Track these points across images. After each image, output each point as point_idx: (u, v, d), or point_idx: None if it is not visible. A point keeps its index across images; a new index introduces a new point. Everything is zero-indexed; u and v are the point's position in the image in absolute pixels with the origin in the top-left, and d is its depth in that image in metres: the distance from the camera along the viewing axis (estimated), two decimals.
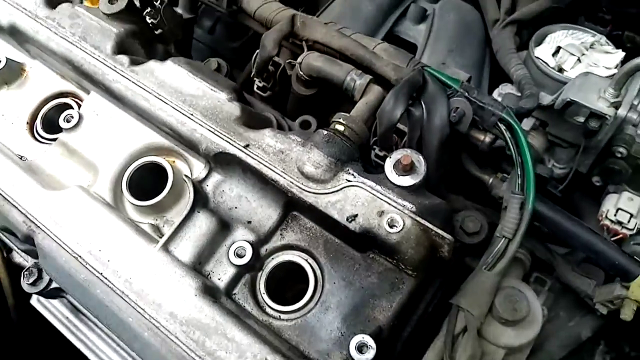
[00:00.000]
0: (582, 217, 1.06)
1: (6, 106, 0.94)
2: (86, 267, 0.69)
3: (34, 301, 0.92)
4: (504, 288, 0.78)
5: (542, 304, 0.93)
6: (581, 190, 1.08)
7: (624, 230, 0.94)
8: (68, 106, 0.91)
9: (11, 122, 0.92)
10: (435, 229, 0.65)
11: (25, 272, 0.82)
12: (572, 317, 0.95)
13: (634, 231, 0.95)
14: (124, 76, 0.80)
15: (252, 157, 0.72)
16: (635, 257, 0.86)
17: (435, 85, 0.74)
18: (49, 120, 0.91)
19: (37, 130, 0.92)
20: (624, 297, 0.81)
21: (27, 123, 0.92)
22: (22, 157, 0.88)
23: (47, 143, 0.89)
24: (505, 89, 1.02)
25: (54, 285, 0.81)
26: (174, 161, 0.82)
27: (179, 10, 1.02)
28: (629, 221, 0.94)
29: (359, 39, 0.79)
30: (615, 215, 0.95)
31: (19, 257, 0.96)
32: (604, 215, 0.96)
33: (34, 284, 0.81)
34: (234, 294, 0.72)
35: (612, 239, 0.96)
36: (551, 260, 0.90)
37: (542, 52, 0.97)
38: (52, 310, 0.90)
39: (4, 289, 0.95)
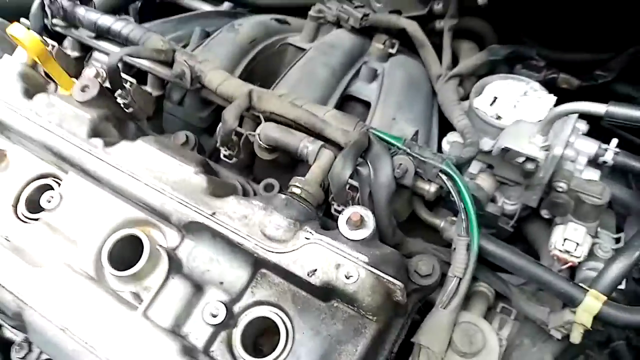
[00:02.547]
0: (538, 248, 1.15)
1: None
2: (73, 339, 0.75)
3: None
4: (460, 323, 0.85)
5: (509, 332, 1.00)
6: (536, 222, 1.16)
7: (572, 259, 1.02)
8: (49, 187, 0.98)
9: None
10: (386, 277, 0.73)
11: (16, 347, 0.87)
12: (535, 343, 1.01)
13: (582, 258, 1.03)
14: (98, 158, 0.88)
15: (219, 224, 0.79)
16: (584, 283, 0.94)
17: (380, 145, 0.83)
18: (32, 201, 0.98)
19: (20, 211, 0.98)
20: (572, 321, 0.89)
21: (12, 205, 0.99)
22: (7, 237, 0.94)
23: (30, 222, 0.96)
24: (453, 137, 1.11)
25: (43, 357, 0.86)
26: (149, 231, 0.89)
27: (147, 88, 1.11)
28: (575, 249, 1.02)
29: (310, 108, 0.88)
30: (562, 245, 1.03)
31: (9, 333, 1.00)
32: (553, 246, 1.04)
33: (24, 357, 0.86)
34: (212, 351, 0.78)
35: (563, 266, 1.04)
36: (507, 293, 0.97)
37: (481, 102, 1.07)
38: None
39: None
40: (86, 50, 1.21)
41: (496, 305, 1.02)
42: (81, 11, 1.12)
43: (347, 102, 1.22)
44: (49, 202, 0.92)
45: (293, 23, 1.37)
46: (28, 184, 1.00)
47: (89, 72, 1.12)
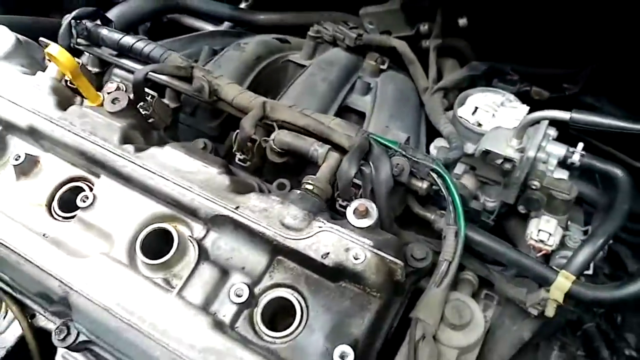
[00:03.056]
0: (516, 240, 1.29)
1: (25, 193, 1.11)
2: (116, 317, 0.86)
3: (59, 357, 1.06)
4: (451, 300, 0.98)
5: (492, 315, 1.13)
6: (513, 217, 1.31)
7: (546, 247, 1.16)
8: (80, 189, 1.10)
9: (31, 206, 1.09)
10: (389, 257, 0.85)
11: (56, 330, 0.96)
12: (515, 322, 1.13)
13: (554, 247, 1.17)
14: (131, 162, 1.00)
15: (242, 217, 0.91)
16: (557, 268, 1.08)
17: (379, 148, 0.96)
18: (64, 202, 1.09)
19: (54, 211, 1.09)
20: (547, 298, 1.02)
21: (45, 205, 1.09)
22: (44, 234, 1.05)
23: (65, 221, 1.06)
24: (439, 142, 1.25)
25: (80, 339, 0.96)
26: (176, 225, 1.01)
27: (166, 101, 1.23)
28: (548, 239, 1.16)
29: (317, 117, 1.01)
30: (537, 235, 1.16)
31: (42, 321, 1.10)
32: (529, 236, 1.18)
33: (64, 339, 0.96)
34: (237, 327, 0.89)
35: (538, 254, 1.19)
36: (490, 277, 1.11)
37: (464, 111, 1.21)
38: None
39: (31, 350, 1.09)
40: (104, 67, 1.33)
41: (480, 292, 1.15)
42: (104, 32, 1.24)
43: (344, 113, 1.36)
44: (84, 201, 1.03)
45: (293, 42, 1.51)
46: (60, 186, 1.11)
47: (110, 86, 1.24)
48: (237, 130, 1.07)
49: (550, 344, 1.26)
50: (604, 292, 1.01)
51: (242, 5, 1.78)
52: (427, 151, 1.27)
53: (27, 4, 1.56)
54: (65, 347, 0.96)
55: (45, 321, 1.09)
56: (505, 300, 1.14)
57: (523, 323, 1.12)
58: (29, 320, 1.10)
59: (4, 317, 1.12)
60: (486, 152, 1.08)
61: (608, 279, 1.33)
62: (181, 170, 0.98)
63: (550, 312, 1.01)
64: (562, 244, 1.20)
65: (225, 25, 1.80)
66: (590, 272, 1.14)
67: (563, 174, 1.22)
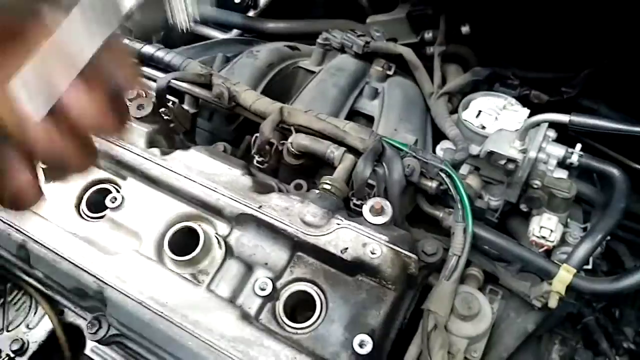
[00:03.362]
0: (518, 237, 1.35)
1: (55, 195, 1.17)
2: (149, 310, 0.92)
3: (88, 351, 1.12)
4: (460, 293, 1.04)
5: (497, 308, 1.19)
6: (515, 215, 1.37)
7: (547, 243, 1.22)
8: (107, 190, 1.16)
9: (61, 208, 1.15)
10: (404, 251, 0.92)
11: (88, 324, 1.02)
12: (519, 315, 1.19)
13: (555, 243, 1.23)
14: (158, 164, 1.06)
15: (265, 215, 0.98)
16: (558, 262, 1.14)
17: (392, 150, 1.03)
18: (92, 203, 1.15)
19: (83, 212, 1.15)
20: (549, 291, 1.09)
21: (75, 206, 1.15)
22: (74, 234, 1.10)
23: (94, 221, 1.12)
24: (445, 144, 1.32)
25: (111, 332, 1.02)
26: (200, 224, 1.07)
27: (185, 107, 1.29)
28: (550, 235, 1.22)
29: (332, 121, 1.07)
30: (539, 232, 1.23)
31: (71, 317, 1.16)
32: (531, 233, 1.24)
33: (95, 332, 1.02)
34: (261, 319, 0.95)
35: (540, 250, 1.25)
36: (495, 271, 1.17)
37: (468, 115, 1.28)
38: (105, 357, 1.10)
39: (61, 345, 1.15)
40: None
41: (485, 287, 1.21)
42: (125, 41, 1.30)
43: (353, 117, 1.42)
44: (113, 202, 1.08)
45: (302, 49, 1.58)
46: (88, 188, 1.17)
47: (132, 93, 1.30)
48: (255, 134, 1.13)
49: (551, 338, 1.32)
50: (602, 285, 1.07)
51: (251, 14, 1.84)
52: (434, 153, 1.33)
53: None
54: (96, 341, 1.02)
55: (74, 317, 1.15)
56: (509, 294, 1.21)
57: (527, 315, 1.18)
58: (59, 317, 1.16)
59: (35, 313, 1.18)
60: (490, 153, 1.15)
61: (606, 276, 1.39)
62: (205, 172, 1.04)
63: (553, 303, 1.07)
64: (562, 241, 1.26)
65: (234, 32, 1.86)
66: (589, 266, 1.21)
67: (562, 174, 1.29)
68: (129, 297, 0.94)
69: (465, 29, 1.46)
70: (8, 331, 1.17)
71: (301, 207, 0.98)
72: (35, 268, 1.04)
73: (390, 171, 1.01)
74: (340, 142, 1.06)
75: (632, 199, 1.22)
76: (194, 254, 1.01)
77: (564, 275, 1.07)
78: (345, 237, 0.94)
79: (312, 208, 0.97)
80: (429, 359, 0.93)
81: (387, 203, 0.96)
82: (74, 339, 1.14)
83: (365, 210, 0.96)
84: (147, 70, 1.30)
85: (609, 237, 1.17)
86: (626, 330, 1.40)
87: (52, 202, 1.15)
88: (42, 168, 1.12)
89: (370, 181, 1.06)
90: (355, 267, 0.95)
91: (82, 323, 1.13)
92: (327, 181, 1.00)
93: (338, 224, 0.95)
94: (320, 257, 0.98)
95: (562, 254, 1.26)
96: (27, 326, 1.17)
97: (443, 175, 1.05)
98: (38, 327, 1.16)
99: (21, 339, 1.14)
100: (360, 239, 0.93)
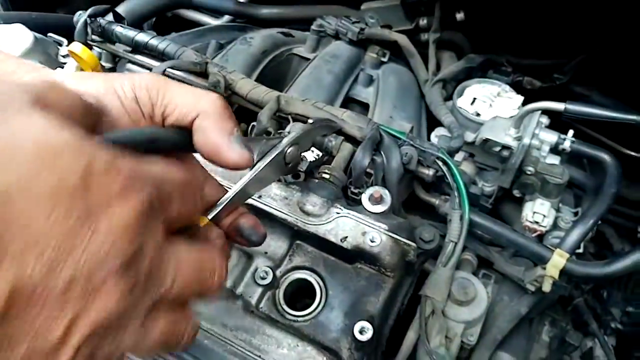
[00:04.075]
0: (511, 222, 1.37)
1: None
2: None
3: None
4: (457, 278, 1.06)
5: (490, 292, 1.22)
6: (508, 201, 1.39)
7: (540, 228, 1.25)
8: None
9: None
10: (402, 239, 0.93)
11: None
12: (512, 298, 1.22)
13: (548, 228, 1.26)
14: None
15: (265, 205, 0.98)
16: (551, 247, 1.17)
17: (389, 139, 1.04)
18: None
19: None
20: (543, 275, 1.11)
21: None
22: None
23: None
24: (440, 131, 1.33)
25: None
26: None
27: None
28: (542, 220, 1.25)
29: (329, 110, 1.07)
30: (532, 217, 1.25)
31: None
32: (524, 219, 1.26)
33: None
34: (261, 307, 0.97)
35: (533, 235, 1.27)
36: (489, 256, 1.19)
37: (463, 102, 1.29)
38: None
39: None
40: (116, 63, 1.38)
41: (478, 271, 1.24)
42: (119, 29, 1.28)
43: (348, 104, 1.43)
44: None
45: (296, 36, 1.57)
46: None
47: None
48: (252, 123, 1.13)
49: (541, 320, 1.36)
50: (595, 269, 1.10)
51: None
52: (429, 140, 1.34)
53: (34, 0, 1.60)
54: None
55: None
56: (502, 278, 1.23)
57: (520, 299, 1.21)
58: None
59: None
60: (485, 141, 1.16)
61: (594, 258, 1.42)
62: (202, 160, 1.04)
63: (546, 287, 1.09)
64: (554, 225, 1.29)
65: (226, 18, 1.84)
66: (580, 250, 1.23)
67: (555, 160, 1.31)
68: None
69: (459, 16, 1.46)
70: None
71: (300, 196, 0.98)
72: None
73: (388, 160, 1.02)
74: (338, 131, 1.07)
75: (622, 184, 1.24)
76: None
77: (558, 260, 1.09)
78: (344, 226, 0.95)
79: (311, 197, 0.97)
80: (427, 344, 0.95)
81: (386, 192, 0.97)
82: None
83: (365, 199, 0.97)
84: (141, 58, 1.29)
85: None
86: (613, 311, 1.43)
87: None
88: None
89: (368, 170, 1.07)
90: (355, 255, 0.96)
91: None
92: (326, 170, 1.01)
93: (337, 213, 0.96)
94: (319, 245, 0.99)
95: (554, 238, 1.29)
96: None
97: (439, 162, 1.06)
98: None
99: None
100: (359, 227, 0.95)
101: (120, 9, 1.49)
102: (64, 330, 0.39)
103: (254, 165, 0.69)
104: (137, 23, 1.58)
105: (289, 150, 0.70)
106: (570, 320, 1.39)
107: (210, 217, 0.62)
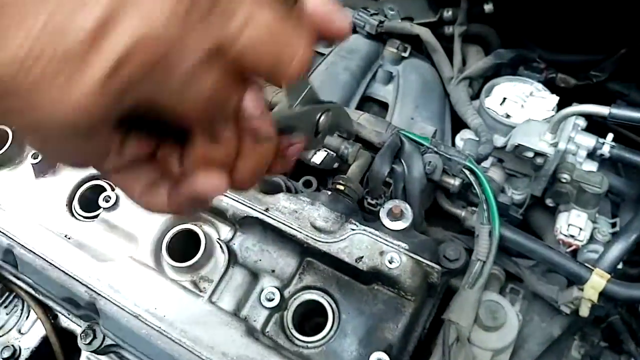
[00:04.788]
0: (542, 233, 1.26)
1: (44, 192, 1.08)
2: (146, 324, 0.84)
3: (84, 359, 1.05)
4: (485, 301, 0.96)
5: (518, 310, 1.11)
6: (539, 209, 1.28)
7: (576, 242, 1.14)
8: (102, 187, 1.07)
9: (51, 206, 1.07)
10: (425, 261, 0.83)
11: (82, 334, 0.95)
12: (544, 319, 1.12)
13: (584, 242, 1.14)
14: None
15: (272, 218, 0.89)
16: (587, 263, 1.06)
17: (411, 145, 0.93)
18: (86, 201, 1.06)
19: (75, 210, 1.06)
20: (580, 297, 1.00)
21: (66, 205, 1.07)
22: (67, 236, 1.02)
23: (87, 221, 1.04)
24: (465, 134, 1.22)
25: (107, 342, 0.94)
26: (201, 225, 0.98)
27: None
28: (579, 234, 1.13)
29: None
30: (567, 230, 1.14)
31: (65, 322, 1.09)
32: (558, 231, 1.15)
33: (90, 343, 0.94)
34: (267, 331, 0.88)
35: (568, 249, 1.16)
36: (520, 274, 1.08)
37: (492, 102, 1.18)
38: None
39: (55, 352, 1.07)
40: None
41: (506, 286, 1.13)
42: None
43: (365, 103, 1.32)
44: (107, 201, 1.00)
45: None
46: (80, 185, 1.08)
47: None
48: None
49: (570, 334, 1.25)
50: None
51: None
52: (453, 142, 1.24)
53: None
54: (91, 351, 0.95)
55: (69, 322, 1.08)
56: (532, 295, 1.13)
57: (552, 320, 1.10)
58: (52, 321, 1.08)
59: (27, 318, 1.10)
60: (518, 146, 1.05)
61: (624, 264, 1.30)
62: None
63: (584, 312, 0.99)
64: (590, 237, 1.17)
65: None
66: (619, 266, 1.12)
67: (592, 166, 1.19)
68: (124, 310, 0.86)
69: (488, 7, 1.34)
70: None
71: (311, 209, 0.89)
72: (23, 274, 0.96)
73: (409, 169, 0.92)
74: (355, 137, 0.97)
75: None
76: (194, 259, 0.93)
77: (597, 281, 0.98)
78: (360, 244, 0.85)
79: (323, 211, 0.88)
80: None
81: (407, 206, 0.87)
82: (68, 345, 1.07)
83: (383, 214, 0.87)
84: None
85: None
86: None
87: (42, 200, 1.07)
88: (32, 164, 1.02)
89: (387, 179, 0.97)
90: (371, 277, 0.86)
91: (77, 329, 1.06)
92: (340, 181, 0.91)
93: (352, 230, 0.86)
94: (332, 263, 0.89)
95: (590, 252, 1.18)
96: (19, 331, 1.09)
97: (467, 172, 0.95)
98: (30, 332, 1.09)
99: (12, 345, 1.07)
100: (377, 246, 0.85)
101: None
102: (94, 27, 0.31)
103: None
104: None
105: (323, 117, 0.59)
106: (601, 335, 1.28)
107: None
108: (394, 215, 0.86)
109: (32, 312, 1.10)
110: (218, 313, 0.84)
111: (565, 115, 0.99)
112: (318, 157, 0.88)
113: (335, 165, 0.94)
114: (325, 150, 0.90)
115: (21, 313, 1.11)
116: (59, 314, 1.08)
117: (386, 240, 0.85)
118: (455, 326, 0.90)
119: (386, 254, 0.84)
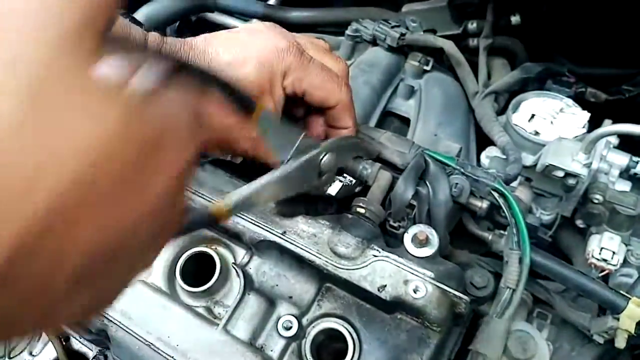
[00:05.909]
0: (571, 254, 1.20)
1: None
2: (158, 353, 0.81)
3: None
4: (514, 331, 0.90)
5: (547, 336, 1.05)
6: (568, 229, 1.22)
7: (609, 266, 1.08)
8: None
9: None
10: (452, 291, 0.78)
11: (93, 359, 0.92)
12: (574, 347, 1.06)
13: (618, 266, 1.09)
14: None
15: (290, 242, 0.85)
16: (621, 289, 1.00)
17: (436, 166, 0.89)
18: None
19: None
20: (616, 327, 0.94)
21: None
22: None
23: None
24: (491, 152, 1.17)
25: None
26: (216, 248, 0.95)
27: None
28: (612, 258, 1.08)
29: (367, 132, 0.93)
30: (600, 254, 1.08)
31: (77, 345, 1.06)
32: (590, 255, 1.09)
33: None
34: None
35: (600, 274, 1.10)
36: (551, 300, 1.03)
37: (519, 119, 1.13)
38: None
39: None
40: None
41: (533, 309, 1.08)
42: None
43: (386, 119, 1.28)
44: None
45: (329, 41, 1.42)
46: None
47: None
48: None
49: None
50: None
51: (272, 2, 1.69)
52: (478, 160, 1.19)
53: None
54: None
55: (80, 345, 1.05)
56: (561, 320, 1.07)
57: (583, 349, 1.05)
58: (64, 344, 1.06)
59: (39, 339, 1.08)
60: (550, 167, 1.00)
61: None
62: (222, 190, 0.91)
63: (620, 343, 0.93)
64: (624, 261, 1.12)
65: (254, 22, 1.72)
66: None
67: (626, 186, 1.14)
68: (136, 338, 0.82)
69: (515, 19, 1.29)
70: (10, 358, 1.08)
71: (331, 234, 0.84)
72: None
73: (434, 191, 0.87)
74: (376, 157, 0.92)
75: None
76: (209, 284, 0.89)
77: (634, 311, 0.92)
78: (383, 272, 0.81)
79: (344, 236, 0.83)
80: None
81: (433, 232, 0.82)
82: None
83: (407, 240, 0.82)
84: None
85: None
86: None
87: None
88: None
89: (411, 201, 0.92)
90: (395, 306, 0.81)
91: (88, 352, 1.03)
92: (360, 204, 0.86)
93: (375, 256, 0.82)
94: (353, 290, 0.85)
95: (622, 276, 1.12)
96: (30, 353, 1.07)
97: (496, 194, 0.90)
98: (42, 354, 1.06)
99: None
100: (401, 274, 0.80)
101: (139, 15, 1.37)
102: None
103: (287, 161, 0.61)
104: (158, 28, 1.47)
105: (325, 158, 0.60)
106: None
107: (229, 206, 0.59)
108: (419, 242, 0.81)
109: (43, 333, 1.07)
110: (233, 343, 0.80)
111: (600, 135, 0.93)
112: (333, 189, 0.84)
113: (358, 189, 0.90)
114: (341, 181, 0.86)
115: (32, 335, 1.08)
116: (71, 337, 1.06)
117: (411, 268, 0.80)
118: (482, 358, 0.85)
119: (411, 282, 0.79)
